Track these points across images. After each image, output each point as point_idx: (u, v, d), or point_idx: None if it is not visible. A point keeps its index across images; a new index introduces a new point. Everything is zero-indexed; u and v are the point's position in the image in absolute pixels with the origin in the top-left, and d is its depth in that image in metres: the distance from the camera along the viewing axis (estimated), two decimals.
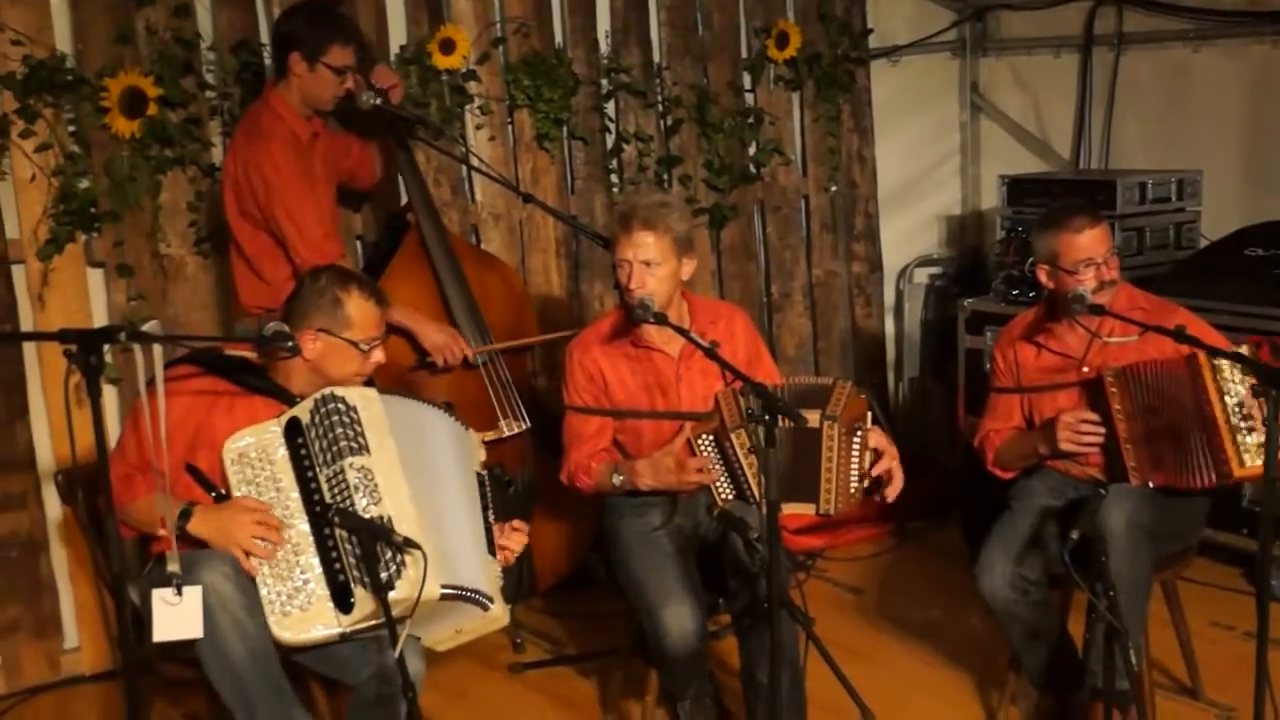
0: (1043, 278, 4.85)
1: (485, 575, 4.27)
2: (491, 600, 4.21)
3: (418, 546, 3.88)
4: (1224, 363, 4.49)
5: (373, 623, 3.97)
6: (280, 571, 4.07)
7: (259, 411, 4.27)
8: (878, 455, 4.64)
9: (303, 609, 4.03)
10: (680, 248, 4.71)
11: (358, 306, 4.28)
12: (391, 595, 3.87)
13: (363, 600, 3.96)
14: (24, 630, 5.70)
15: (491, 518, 4.41)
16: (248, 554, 4.06)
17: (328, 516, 4.00)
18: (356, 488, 4.02)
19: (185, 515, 4.09)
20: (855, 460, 4.59)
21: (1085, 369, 4.82)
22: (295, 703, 4.11)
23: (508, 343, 5.91)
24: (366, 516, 3.97)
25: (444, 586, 4.02)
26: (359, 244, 6.29)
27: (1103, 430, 4.71)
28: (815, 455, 4.53)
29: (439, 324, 5.63)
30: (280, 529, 4.08)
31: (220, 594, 3.99)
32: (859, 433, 4.58)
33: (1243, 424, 4.47)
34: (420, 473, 4.21)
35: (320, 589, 4.03)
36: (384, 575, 3.88)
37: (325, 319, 4.25)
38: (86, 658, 5.84)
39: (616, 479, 4.73)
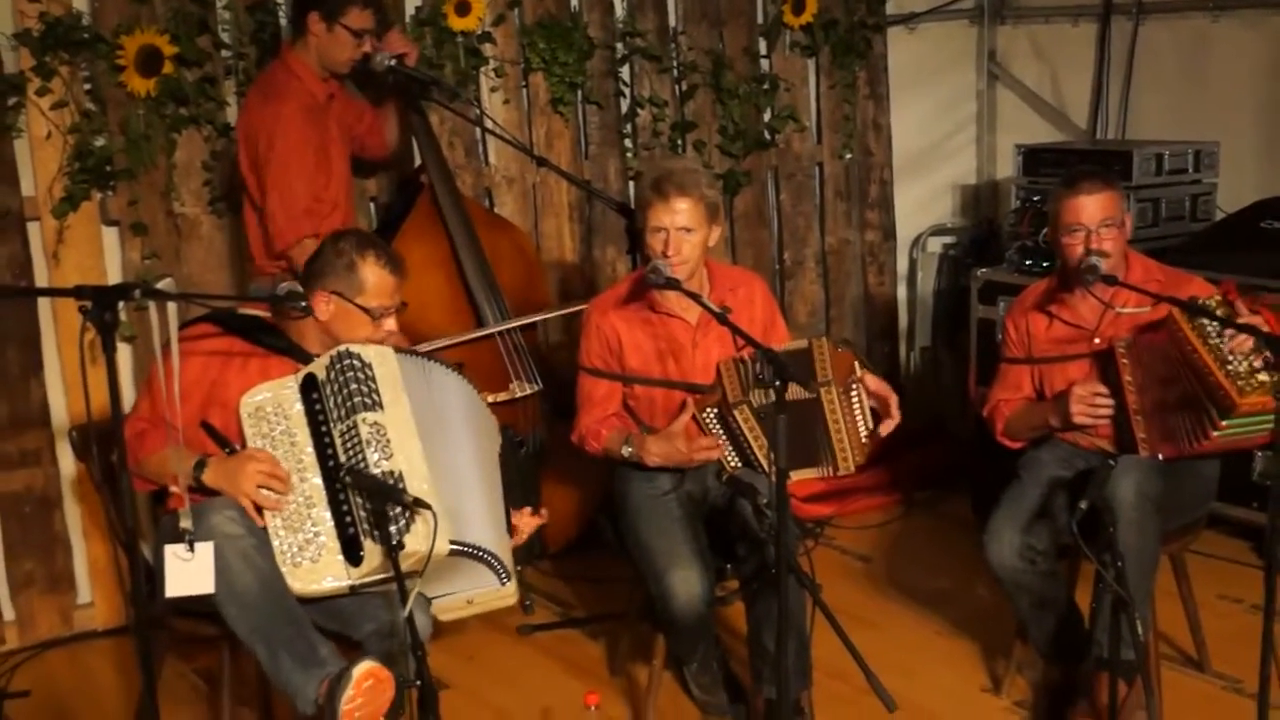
0: (1053, 238, 4.86)
1: (498, 542, 4.30)
2: (502, 563, 4.25)
3: (427, 506, 3.91)
4: (1193, 312, 4.46)
5: (381, 576, 4.00)
6: (292, 523, 4.11)
7: (273, 370, 4.30)
8: (878, 398, 4.66)
9: (313, 560, 4.07)
10: (710, 214, 4.70)
11: (373, 273, 4.29)
12: (404, 552, 3.90)
13: (371, 553, 3.99)
14: (38, 585, 5.74)
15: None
16: (257, 507, 4.09)
17: (339, 475, 4.04)
18: (369, 442, 4.06)
19: (200, 466, 4.12)
20: (859, 413, 4.61)
21: (1097, 340, 4.80)
22: (313, 629, 4.10)
23: (523, 319, 5.92)
24: (377, 472, 4.01)
25: (453, 542, 4.06)
26: (371, 206, 6.30)
27: (1113, 403, 4.71)
28: (820, 422, 4.54)
29: None
30: (288, 480, 4.12)
31: (228, 534, 4.01)
32: (854, 387, 4.59)
33: (1230, 358, 4.40)
34: (434, 432, 4.25)
35: (331, 541, 4.07)
36: (393, 529, 3.91)
37: (340, 282, 4.27)
38: (99, 613, 5.88)
39: (626, 450, 4.74)
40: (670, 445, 4.65)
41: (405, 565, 3.88)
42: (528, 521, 4.53)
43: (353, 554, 4.04)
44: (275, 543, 4.10)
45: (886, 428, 4.68)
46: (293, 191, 5.32)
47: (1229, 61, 6.97)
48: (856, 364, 4.63)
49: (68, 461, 5.70)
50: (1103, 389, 4.70)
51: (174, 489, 4.07)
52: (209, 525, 4.01)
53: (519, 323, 5.88)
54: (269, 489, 4.09)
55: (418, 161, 6.00)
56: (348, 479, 4.03)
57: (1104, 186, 4.73)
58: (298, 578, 4.07)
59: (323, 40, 5.41)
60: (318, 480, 4.13)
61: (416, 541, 3.93)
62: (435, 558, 3.97)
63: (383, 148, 5.97)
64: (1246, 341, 4.38)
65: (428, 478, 4.08)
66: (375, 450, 4.06)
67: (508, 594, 4.35)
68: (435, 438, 4.25)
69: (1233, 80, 6.97)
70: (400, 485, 4.01)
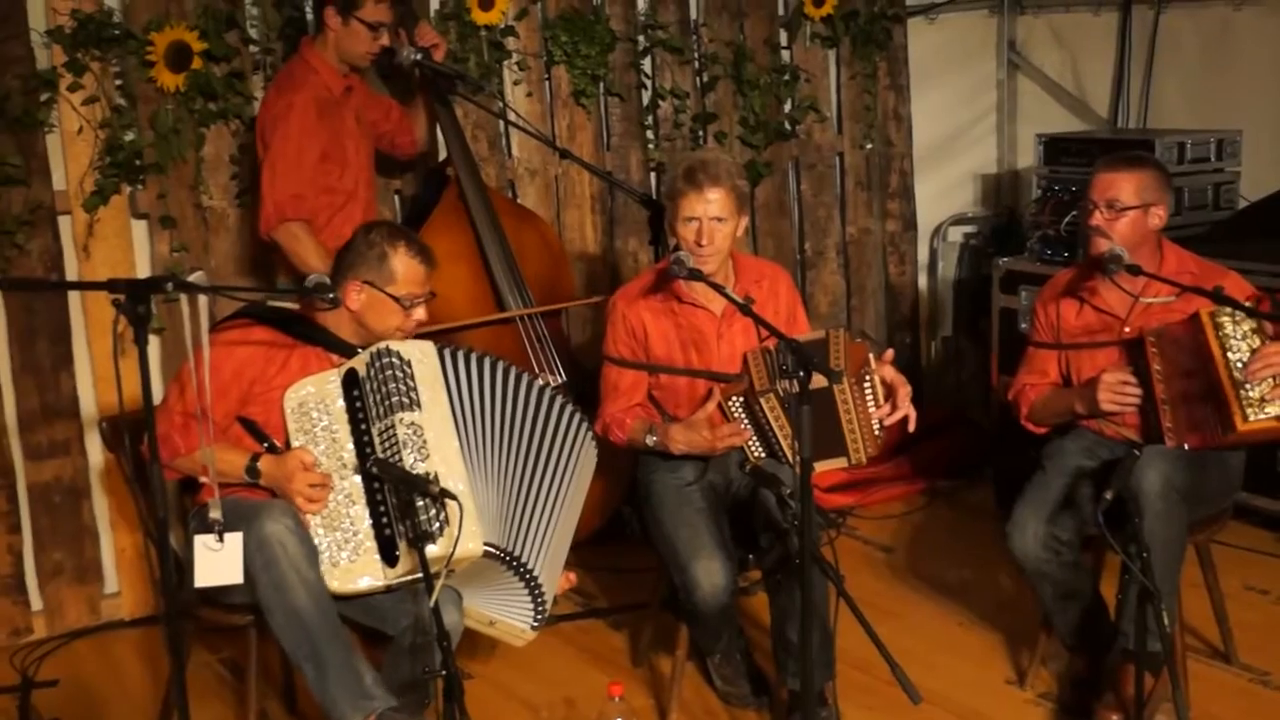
0: None
1: (544, 566, 4.35)
2: (540, 588, 4.31)
3: (454, 498, 3.94)
4: (1225, 319, 4.48)
5: (416, 575, 4.02)
6: (331, 522, 4.15)
7: (313, 364, 4.35)
8: (890, 390, 4.67)
9: (351, 560, 4.12)
10: (740, 204, 4.73)
11: (403, 262, 4.35)
12: (434, 550, 3.95)
13: (406, 555, 4.04)
14: (66, 575, 5.78)
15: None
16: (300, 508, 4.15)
17: (367, 466, 4.08)
18: (405, 443, 4.09)
19: (254, 464, 4.20)
20: (872, 405, 4.64)
21: (1127, 329, 4.79)
22: (356, 649, 4.18)
23: (545, 306, 5.94)
24: (413, 472, 4.04)
25: (488, 544, 4.10)
26: (396, 198, 6.34)
27: (1141, 391, 4.71)
28: (834, 413, 4.56)
29: None
30: (330, 484, 4.16)
31: (285, 545, 4.06)
32: (868, 378, 4.61)
33: (1247, 380, 4.44)
34: (477, 432, 4.30)
35: (368, 541, 4.12)
36: (423, 519, 3.98)
37: (371, 272, 4.32)
38: (126, 603, 5.92)
39: (650, 439, 4.75)
40: (695, 433, 4.66)
41: (438, 563, 3.94)
42: (559, 581, 4.58)
43: (389, 555, 4.09)
44: (315, 539, 4.14)
45: (889, 418, 4.69)
46: (283, 178, 5.38)
47: (1251, 50, 6.98)
48: (871, 356, 4.65)
49: (96, 452, 5.74)
50: (1131, 378, 4.69)
51: (204, 479, 4.09)
52: (263, 534, 4.04)
53: (542, 309, 5.91)
54: (311, 497, 4.15)
55: (443, 154, 6.03)
56: (374, 468, 4.07)
57: (1126, 167, 4.76)
58: (335, 577, 4.12)
59: (339, 34, 5.48)
60: (357, 479, 4.17)
61: (447, 541, 3.97)
62: (469, 557, 4.03)
63: (412, 145, 6.02)
64: (1264, 370, 4.43)
65: (465, 478, 4.13)
66: (411, 451, 4.09)
67: (528, 636, 4.43)
68: (479, 439, 4.30)
69: (1255, 69, 6.98)
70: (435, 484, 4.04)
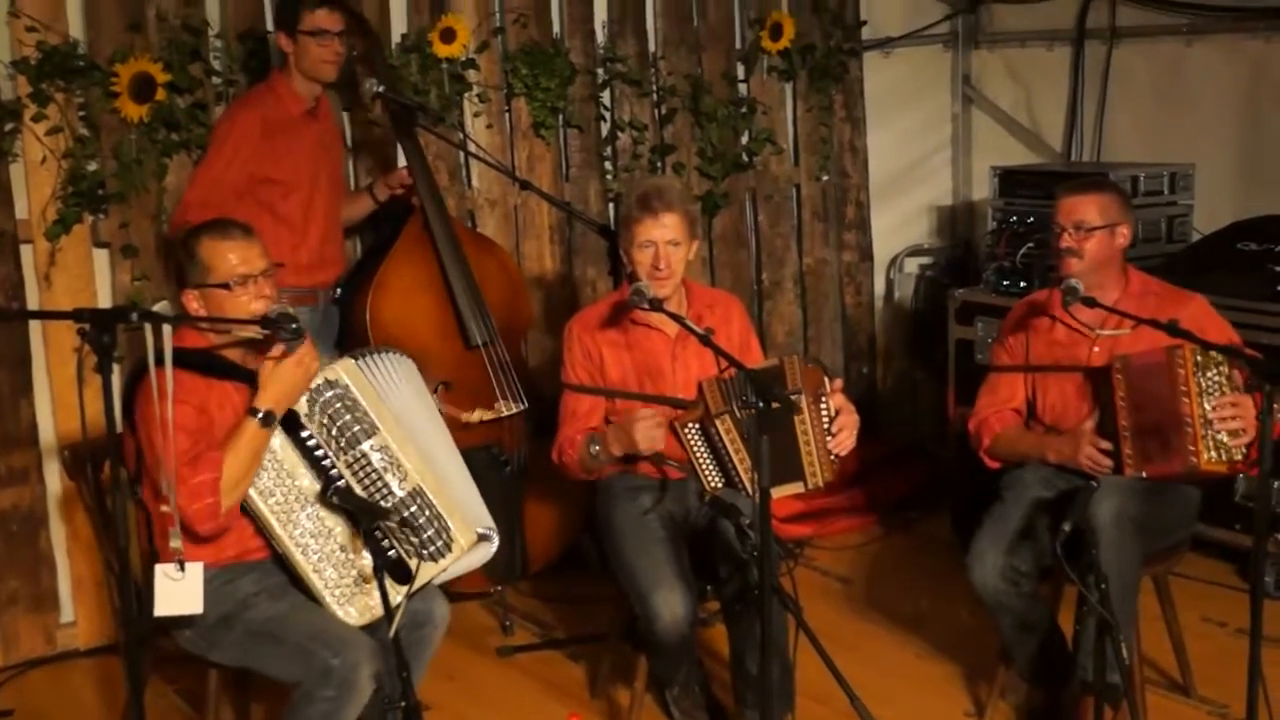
0: None
1: (480, 502, 4.46)
2: (495, 530, 4.41)
3: (413, 526, 4.06)
4: (1206, 358, 4.53)
5: (424, 583, 4.13)
6: (333, 560, 4.14)
7: (232, 397, 4.20)
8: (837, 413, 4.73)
9: (358, 588, 4.14)
10: (692, 228, 4.80)
11: (208, 249, 4.19)
12: (444, 560, 4.17)
13: (422, 571, 4.14)
14: (22, 604, 5.76)
15: None
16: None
17: (328, 497, 4.07)
18: (383, 469, 4.12)
19: (254, 410, 4.04)
20: (828, 428, 4.70)
21: (1096, 348, 4.83)
22: None
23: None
24: (401, 494, 4.11)
25: (478, 534, 4.31)
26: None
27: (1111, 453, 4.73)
28: (791, 435, 4.62)
29: None
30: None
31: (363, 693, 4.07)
32: (824, 400, 4.68)
33: (1216, 420, 4.52)
34: (414, 427, 4.31)
35: (370, 568, 4.08)
36: (429, 549, 4.13)
37: (192, 275, 4.22)
38: (82, 632, 5.89)
39: (593, 448, 4.77)
40: (623, 431, 4.69)
41: (433, 573, 4.14)
42: None
43: (401, 574, 4.12)
44: (320, 584, 4.11)
45: (835, 445, 4.74)
46: (199, 186, 5.47)
47: (1203, 84, 7.03)
48: (826, 380, 4.70)
49: (55, 480, 5.74)
50: (1107, 444, 4.73)
51: (165, 509, 4.03)
52: (353, 680, 4.03)
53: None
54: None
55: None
56: (334, 499, 4.04)
57: (1087, 188, 4.85)
58: (353, 609, 4.13)
59: (294, 55, 5.59)
60: (339, 519, 4.14)
61: (456, 549, 4.19)
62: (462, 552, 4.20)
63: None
64: (1231, 422, 4.49)
65: (435, 479, 4.22)
66: (393, 476, 4.12)
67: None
68: (419, 434, 4.31)
69: (1207, 103, 7.03)
70: (425, 498, 4.14)
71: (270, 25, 5.97)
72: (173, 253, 5.26)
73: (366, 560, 4.08)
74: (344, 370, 4.18)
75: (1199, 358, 4.53)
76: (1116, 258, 4.85)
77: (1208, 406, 4.52)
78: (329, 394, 4.13)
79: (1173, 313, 4.64)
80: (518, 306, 6.20)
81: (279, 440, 4.12)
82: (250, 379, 4.16)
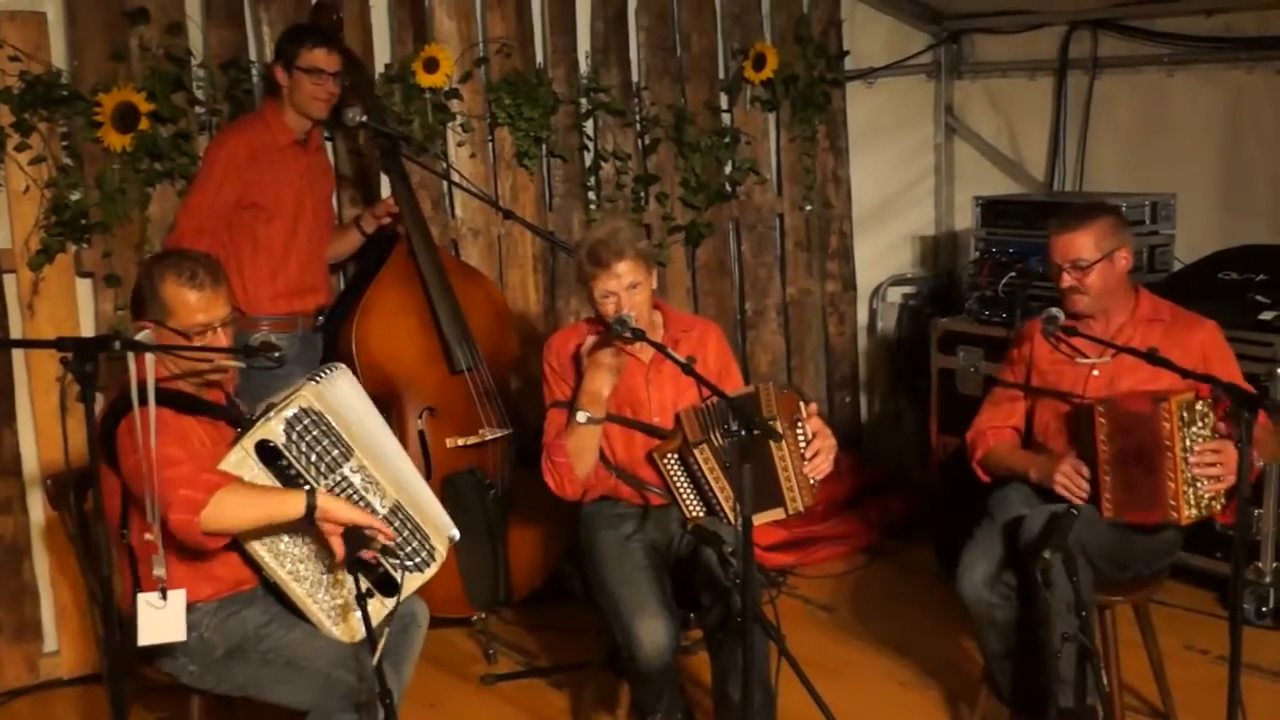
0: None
1: (434, 500, 4.49)
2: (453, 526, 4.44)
3: (371, 565, 4.09)
4: (1192, 413, 4.51)
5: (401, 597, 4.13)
6: (323, 581, 4.17)
7: (210, 434, 4.20)
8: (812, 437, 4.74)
9: (345, 606, 4.17)
10: (648, 265, 4.81)
11: (172, 293, 4.10)
12: (430, 570, 4.21)
13: (408, 581, 4.16)
14: (4, 633, 5.75)
15: None
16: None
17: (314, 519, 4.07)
18: (366, 489, 4.12)
19: (313, 499, 3.96)
20: (805, 453, 4.72)
21: (1095, 373, 4.84)
22: None
23: None
24: (383, 511, 4.11)
25: (450, 538, 4.35)
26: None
27: (1088, 482, 4.73)
28: (769, 462, 4.64)
29: None
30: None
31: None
32: (799, 424, 4.69)
33: (1196, 469, 4.51)
34: (371, 439, 4.30)
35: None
36: (414, 561, 4.17)
37: (151, 309, 4.12)
38: (65, 661, 5.88)
39: (581, 416, 4.77)
40: (587, 377, 4.76)
41: (419, 583, 4.19)
42: None
43: (389, 589, 4.13)
44: (313, 605, 4.14)
45: (813, 470, 4.75)
46: (192, 212, 5.53)
47: (1185, 114, 7.05)
48: (801, 404, 4.72)
49: (37, 510, 5.73)
50: (1086, 471, 4.73)
51: (149, 537, 3.98)
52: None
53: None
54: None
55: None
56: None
57: (1079, 224, 4.82)
58: (345, 630, 4.17)
59: (289, 88, 5.65)
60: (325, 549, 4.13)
61: (438, 558, 4.23)
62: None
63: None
64: (1211, 469, 4.50)
65: (407, 490, 4.25)
66: (374, 494, 4.13)
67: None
68: (376, 444, 4.31)
69: (1189, 133, 7.05)
70: (404, 512, 4.17)
71: (253, 55, 6.04)
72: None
73: (351, 583, 4.06)
74: (312, 395, 4.09)
75: (1185, 413, 4.51)
76: (1121, 282, 4.85)
77: (1191, 460, 4.52)
78: (306, 420, 4.06)
79: (1182, 339, 4.72)
80: (504, 335, 6.22)
81: (259, 473, 4.06)
82: (214, 412, 4.19)
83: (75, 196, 5.66)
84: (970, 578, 4.70)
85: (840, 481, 7.17)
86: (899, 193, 8.31)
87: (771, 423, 4.51)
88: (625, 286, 4.70)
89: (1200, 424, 4.53)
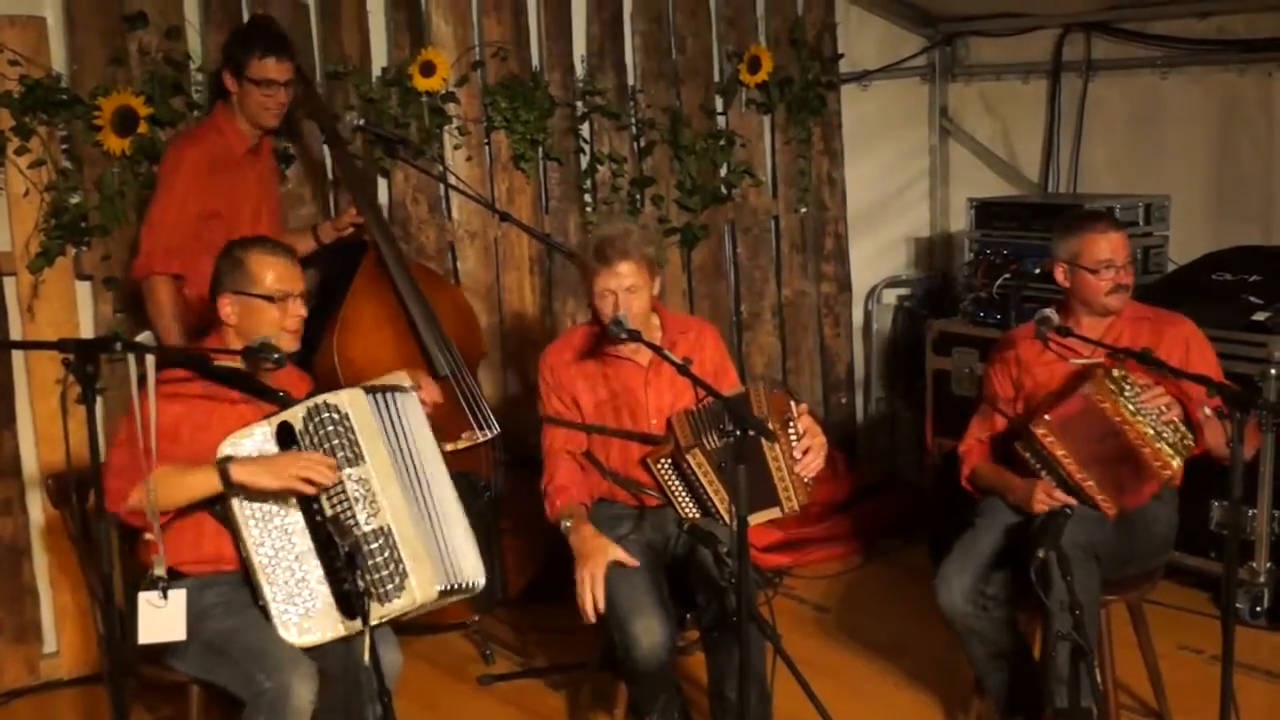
0: (1059, 276, 4.94)
1: (478, 562, 4.49)
2: (479, 585, 4.46)
3: (372, 560, 4.10)
4: (1114, 388, 4.59)
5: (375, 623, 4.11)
6: (284, 578, 4.16)
7: (247, 416, 4.30)
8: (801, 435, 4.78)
9: (307, 614, 4.15)
10: (651, 270, 4.84)
11: (258, 260, 4.40)
12: (392, 605, 4.11)
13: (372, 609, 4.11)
14: (5, 634, 5.76)
15: None
16: (308, 480, 4.11)
17: (326, 528, 4.12)
18: (356, 499, 4.13)
19: (225, 464, 4.11)
20: (797, 451, 4.75)
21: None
22: None
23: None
24: (368, 529, 4.11)
25: (441, 591, 4.25)
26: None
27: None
28: (762, 462, 4.66)
29: None
30: (334, 465, 4.16)
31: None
32: (791, 424, 4.73)
33: (1161, 427, 4.59)
34: (412, 468, 4.35)
35: (326, 595, 4.15)
36: (381, 586, 4.09)
37: (234, 281, 4.40)
38: (65, 662, 5.90)
39: (564, 524, 4.80)
40: (581, 552, 4.71)
41: (390, 615, 4.12)
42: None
43: (348, 607, 4.12)
44: (269, 596, 4.15)
45: (806, 468, 4.78)
46: (159, 229, 5.44)
47: (1178, 116, 7.09)
48: (791, 404, 4.75)
49: (37, 511, 5.75)
50: (1059, 492, 4.73)
51: (149, 536, 4.06)
52: (287, 706, 4.04)
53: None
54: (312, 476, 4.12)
55: None
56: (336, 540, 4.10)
57: (1119, 225, 4.94)
58: (293, 630, 4.15)
59: (239, 95, 5.57)
60: (306, 534, 4.18)
61: (408, 597, 4.12)
62: (426, 603, 4.18)
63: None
64: (1160, 397, 4.57)
65: (414, 525, 4.22)
66: (363, 508, 4.13)
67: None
68: (414, 475, 4.35)
69: (1182, 135, 7.09)
70: (391, 539, 4.13)
71: None
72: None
73: (323, 585, 4.14)
74: (349, 399, 4.25)
75: (1111, 385, 4.59)
76: None
77: (1145, 415, 4.58)
78: (325, 415, 4.18)
79: (1168, 333, 4.82)
80: (473, 338, 6.23)
81: (273, 451, 4.20)
82: (274, 398, 4.28)
83: (75, 200, 5.69)
84: (947, 592, 4.72)
85: (836, 483, 7.19)
86: (894, 195, 8.35)
87: (769, 426, 4.54)
88: (624, 287, 4.72)
89: (1127, 384, 4.60)
